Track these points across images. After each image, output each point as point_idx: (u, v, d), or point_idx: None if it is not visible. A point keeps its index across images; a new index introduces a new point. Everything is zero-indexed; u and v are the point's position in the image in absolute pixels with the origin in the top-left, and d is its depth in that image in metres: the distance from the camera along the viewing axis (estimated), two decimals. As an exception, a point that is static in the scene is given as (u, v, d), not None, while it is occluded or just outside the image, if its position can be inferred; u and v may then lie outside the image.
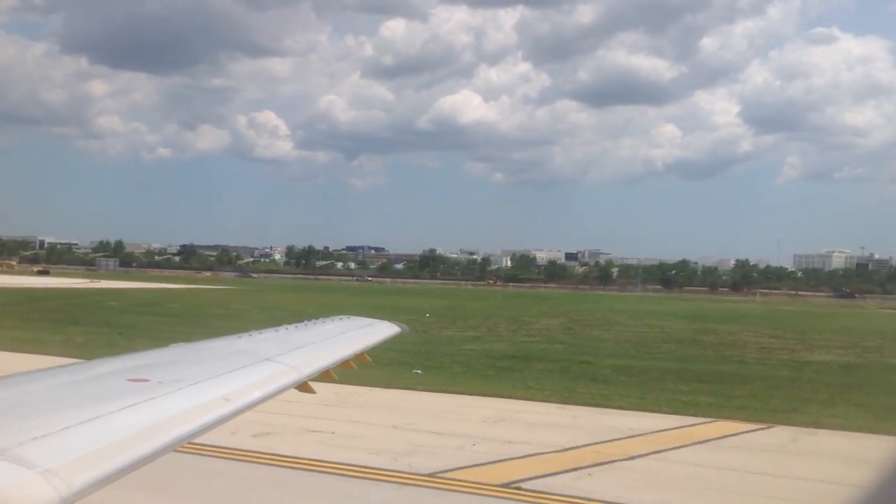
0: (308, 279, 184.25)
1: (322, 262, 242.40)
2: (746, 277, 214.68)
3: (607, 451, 15.46)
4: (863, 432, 18.04)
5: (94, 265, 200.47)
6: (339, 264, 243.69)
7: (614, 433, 17.19)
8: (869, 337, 50.73)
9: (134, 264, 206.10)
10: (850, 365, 34.08)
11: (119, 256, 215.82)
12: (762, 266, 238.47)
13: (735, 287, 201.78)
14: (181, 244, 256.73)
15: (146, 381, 4.34)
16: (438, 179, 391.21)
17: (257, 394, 4.77)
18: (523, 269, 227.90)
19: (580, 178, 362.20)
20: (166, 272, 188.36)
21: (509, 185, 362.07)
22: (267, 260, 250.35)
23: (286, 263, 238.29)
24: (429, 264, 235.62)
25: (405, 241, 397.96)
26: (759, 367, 31.75)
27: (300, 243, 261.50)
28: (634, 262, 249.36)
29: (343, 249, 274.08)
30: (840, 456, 15.80)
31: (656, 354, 35.83)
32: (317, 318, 8.88)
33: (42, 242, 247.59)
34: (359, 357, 7.49)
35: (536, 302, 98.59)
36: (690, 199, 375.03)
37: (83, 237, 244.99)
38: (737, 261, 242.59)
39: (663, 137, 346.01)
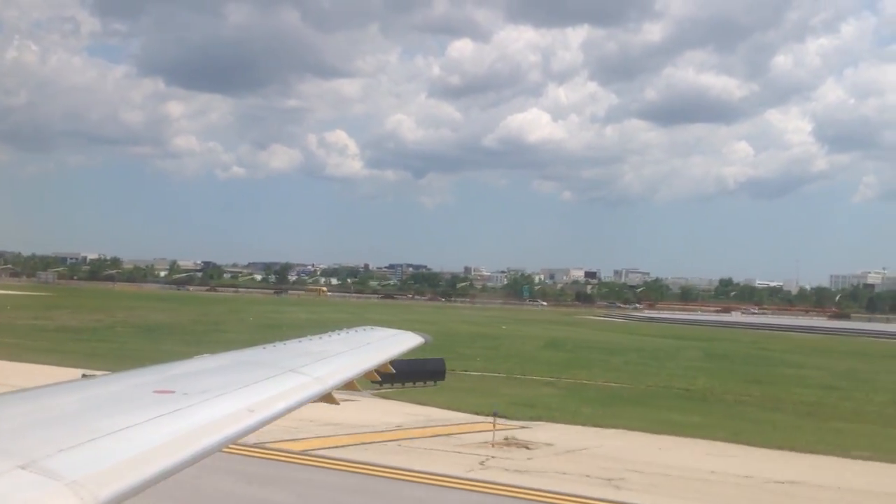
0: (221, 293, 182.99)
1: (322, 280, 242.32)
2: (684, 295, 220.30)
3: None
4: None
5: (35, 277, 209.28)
6: (326, 279, 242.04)
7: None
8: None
9: (72, 277, 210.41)
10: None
11: (111, 271, 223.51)
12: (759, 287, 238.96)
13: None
14: (205, 261, 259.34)
15: (172, 392, 4.36)
16: (504, 198, 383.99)
17: (282, 405, 4.77)
18: (515, 287, 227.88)
19: (649, 196, 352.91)
20: (98, 284, 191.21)
21: (577, 204, 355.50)
22: (237, 277, 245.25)
23: (263, 280, 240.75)
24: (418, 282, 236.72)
25: (449, 259, 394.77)
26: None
27: (346, 261, 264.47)
28: (654, 280, 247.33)
29: (385, 267, 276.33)
30: None
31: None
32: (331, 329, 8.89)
33: (84, 259, 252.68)
34: (382, 367, 7.48)
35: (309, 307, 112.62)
36: (756, 219, 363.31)
37: (128, 253, 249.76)
38: (720, 280, 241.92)
39: (735, 156, 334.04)
